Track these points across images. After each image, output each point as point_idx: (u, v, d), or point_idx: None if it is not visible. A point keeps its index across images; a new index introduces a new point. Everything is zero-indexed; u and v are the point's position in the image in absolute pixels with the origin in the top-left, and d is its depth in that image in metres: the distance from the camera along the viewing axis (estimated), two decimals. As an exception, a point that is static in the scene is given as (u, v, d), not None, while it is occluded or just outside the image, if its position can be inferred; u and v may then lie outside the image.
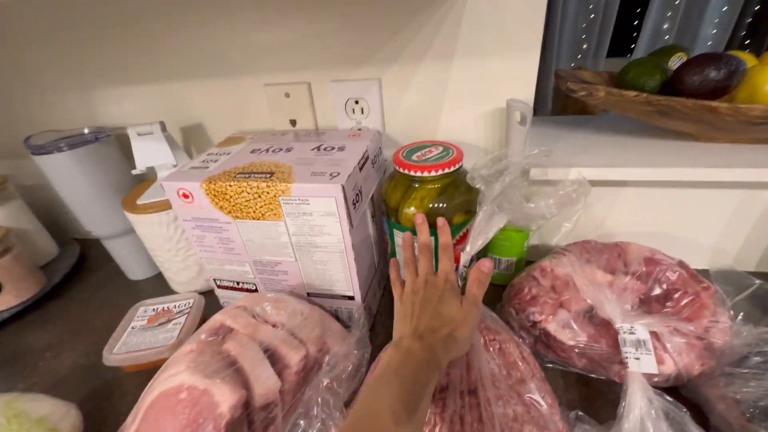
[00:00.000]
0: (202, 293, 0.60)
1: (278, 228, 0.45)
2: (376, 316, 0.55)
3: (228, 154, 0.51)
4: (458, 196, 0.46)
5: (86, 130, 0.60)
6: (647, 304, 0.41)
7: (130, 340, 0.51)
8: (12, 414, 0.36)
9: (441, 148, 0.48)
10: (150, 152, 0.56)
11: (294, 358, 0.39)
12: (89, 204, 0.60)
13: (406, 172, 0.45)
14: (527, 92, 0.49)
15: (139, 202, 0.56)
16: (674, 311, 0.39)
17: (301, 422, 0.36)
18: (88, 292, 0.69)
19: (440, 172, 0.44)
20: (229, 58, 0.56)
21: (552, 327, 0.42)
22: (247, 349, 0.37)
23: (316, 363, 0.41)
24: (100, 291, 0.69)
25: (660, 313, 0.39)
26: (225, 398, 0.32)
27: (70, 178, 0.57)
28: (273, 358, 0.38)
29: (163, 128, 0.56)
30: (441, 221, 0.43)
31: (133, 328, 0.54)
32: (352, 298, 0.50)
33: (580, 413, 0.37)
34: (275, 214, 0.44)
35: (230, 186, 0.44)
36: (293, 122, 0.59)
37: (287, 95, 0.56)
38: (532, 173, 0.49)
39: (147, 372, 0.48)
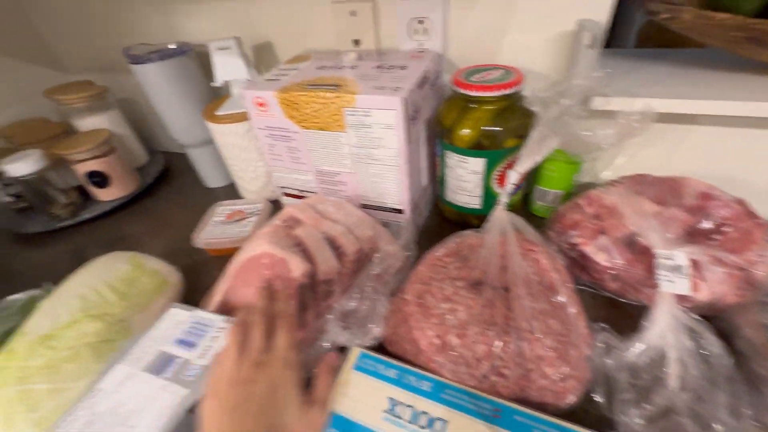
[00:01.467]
0: (271, 201, 0.69)
1: (340, 139, 0.50)
2: (421, 233, 0.60)
3: (297, 69, 0.55)
4: (513, 120, 0.47)
5: (172, 45, 0.66)
6: (692, 236, 0.41)
7: (213, 230, 0.61)
8: (134, 263, 0.47)
9: (502, 71, 0.48)
10: (227, 66, 0.62)
11: (350, 248, 0.45)
12: (176, 112, 0.68)
13: (464, 91, 0.47)
14: (602, 13, 0.46)
15: (218, 113, 0.63)
16: (719, 243, 0.40)
17: (353, 303, 0.43)
18: (173, 195, 0.80)
19: (497, 93, 0.45)
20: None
21: (590, 249, 0.44)
22: (313, 235, 0.44)
23: (368, 258, 0.47)
24: (183, 194, 0.80)
25: (703, 244, 0.40)
26: (297, 266, 0.39)
27: (160, 87, 0.65)
28: (333, 246, 0.44)
29: (239, 44, 0.61)
30: (278, 284, 0.38)
31: (214, 222, 0.63)
32: (401, 211, 0.55)
33: (604, 325, 0.40)
34: (339, 125, 0.49)
35: (301, 96, 0.48)
36: (357, 42, 0.60)
37: (353, 13, 0.57)
38: (594, 103, 0.48)
39: (226, 257, 0.58)
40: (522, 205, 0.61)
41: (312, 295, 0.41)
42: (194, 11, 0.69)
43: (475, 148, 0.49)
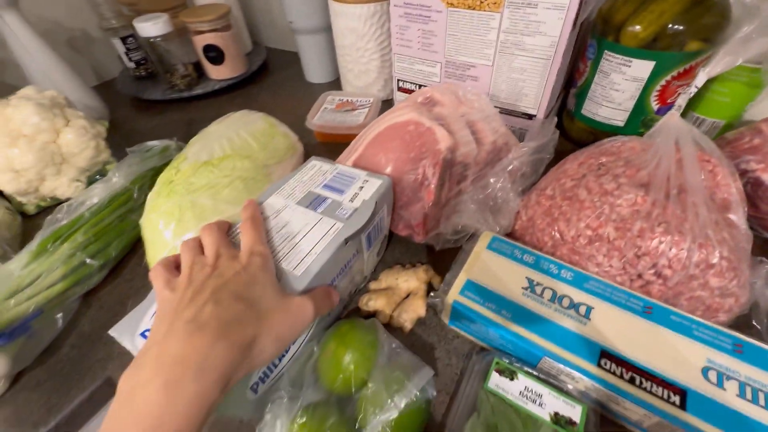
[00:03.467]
0: (375, 99, 0.67)
1: (491, 22, 0.45)
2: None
3: (449, -60, 0.50)
4: (708, 17, 0.40)
5: None
6: None
7: (325, 116, 0.61)
8: (268, 122, 0.48)
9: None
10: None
11: (489, 137, 0.42)
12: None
13: (656, -25, 0.40)
14: None
15: (343, -7, 0.60)
16: None
17: (479, 190, 0.41)
18: (276, 86, 0.81)
19: (702, -23, 0.38)
20: None
21: (767, 177, 0.38)
22: (454, 116, 0.42)
23: (500, 152, 0.44)
24: (285, 87, 0.80)
25: None
26: (444, 138, 0.38)
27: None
28: (472, 130, 0.42)
29: None
30: (248, 202, 0.32)
31: (325, 109, 0.63)
32: (532, 117, 0.51)
33: (764, 259, 0.36)
34: (495, 3, 0.44)
35: (459, -37, 0.43)
36: None
37: None
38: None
39: (335, 144, 0.58)
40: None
41: (450, 174, 0.40)
42: None
43: (644, 48, 0.43)
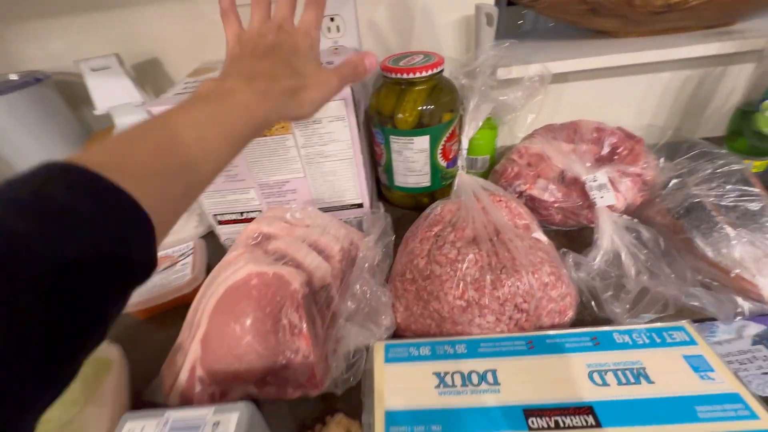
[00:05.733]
0: (195, 239, 0.59)
1: (287, 142, 0.47)
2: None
3: (210, 79, 0.49)
4: (444, 96, 0.52)
5: (14, 76, 0.52)
6: (601, 161, 0.52)
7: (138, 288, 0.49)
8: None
9: (422, 56, 0.52)
10: (110, 90, 0.51)
11: (334, 248, 0.42)
12: (33, 159, 0.53)
13: (397, 75, 0.49)
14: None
15: (108, 146, 0.52)
16: (619, 160, 0.51)
17: (349, 303, 0.40)
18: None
19: (428, 72, 0.49)
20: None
21: (535, 192, 0.51)
22: (294, 244, 0.40)
23: (351, 255, 0.45)
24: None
25: (610, 164, 0.50)
26: (294, 277, 0.35)
27: (8, 126, 0.50)
28: (316, 250, 0.41)
29: (120, 62, 0.51)
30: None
31: (134, 277, 0.51)
32: (360, 205, 0.54)
33: (565, 249, 0.47)
34: (284, 127, 0.45)
35: (232, 102, 0.43)
36: (266, 47, 0.57)
37: (258, 17, 0.54)
38: (498, 73, 0.56)
39: (163, 318, 0.48)
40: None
41: (315, 306, 0.37)
42: (38, 31, 0.55)
43: (417, 128, 0.52)
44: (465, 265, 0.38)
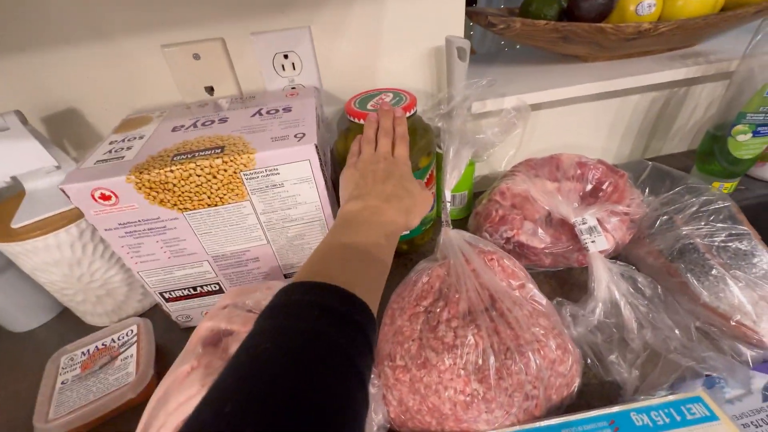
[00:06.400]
0: (139, 316, 0.50)
1: (243, 210, 0.40)
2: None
3: (142, 137, 0.41)
4: (419, 139, 0.47)
5: None
6: (586, 199, 0.49)
7: (68, 398, 0.40)
8: None
9: (392, 95, 0.47)
10: (12, 155, 0.41)
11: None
12: None
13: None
14: (458, 30, 0.51)
15: (15, 225, 0.42)
16: (605, 198, 0.49)
17: None
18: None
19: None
20: (102, 12, 0.43)
21: (523, 237, 0.47)
22: (261, 345, 0.33)
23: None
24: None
25: (597, 203, 0.48)
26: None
27: None
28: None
29: (23, 120, 0.41)
30: (399, 111, 0.42)
31: (63, 383, 0.42)
32: (335, 266, 0.47)
33: (559, 299, 0.44)
34: (237, 195, 0.38)
35: (171, 172, 0.35)
36: (210, 89, 0.49)
37: (196, 57, 0.46)
38: (473, 107, 0.52)
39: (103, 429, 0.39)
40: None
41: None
42: None
43: (392, 176, 0.46)
44: (465, 350, 0.33)
